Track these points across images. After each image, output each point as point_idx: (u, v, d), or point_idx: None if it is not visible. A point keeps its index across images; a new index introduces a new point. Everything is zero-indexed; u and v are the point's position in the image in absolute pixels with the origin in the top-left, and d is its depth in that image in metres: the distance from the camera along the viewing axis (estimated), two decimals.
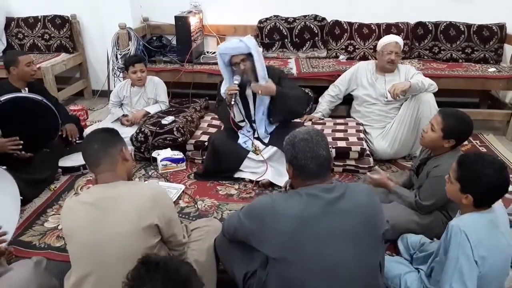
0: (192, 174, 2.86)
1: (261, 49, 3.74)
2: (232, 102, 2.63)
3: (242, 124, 2.83)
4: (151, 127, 2.99)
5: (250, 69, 2.64)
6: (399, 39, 3.12)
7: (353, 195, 1.42)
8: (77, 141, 3.11)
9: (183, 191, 2.65)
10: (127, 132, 3.00)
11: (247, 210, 1.52)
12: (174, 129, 2.95)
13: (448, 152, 2.03)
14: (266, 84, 2.61)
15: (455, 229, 1.47)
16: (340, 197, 1.39)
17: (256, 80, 2.66)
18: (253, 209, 1.50)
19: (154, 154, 2.95)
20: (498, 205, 1.56)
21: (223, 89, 2.77)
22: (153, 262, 1.13)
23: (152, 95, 3.33)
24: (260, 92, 2.62)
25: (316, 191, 1.40)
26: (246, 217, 1.50)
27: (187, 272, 1.14)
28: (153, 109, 3.28)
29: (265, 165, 2.70)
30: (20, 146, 2.47)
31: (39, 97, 2.56)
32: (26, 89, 2.85)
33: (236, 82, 2.63)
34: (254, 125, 2.84)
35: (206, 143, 2.90)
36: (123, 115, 3.32)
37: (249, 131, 2.85)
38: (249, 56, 2.61)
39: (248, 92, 2.74)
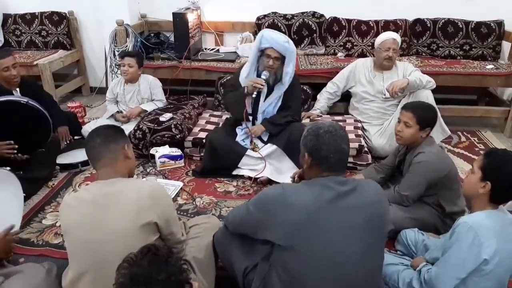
0: (191, 171, 2.86)
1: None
2: (254, 95, 2.66)
3: (250, 117, 2.83)
4: (149, 124, 2.98)
5: (276, 70, 2.67)
6: (396, 36, 3.11)
7: (364, 191, 1.43)
8: (75, 138, 3.11)
9: (181, 188, 2.65)
10: (125, 129, 2.98)
11: (256, 199, 1.52)
12: (172, 126, 2.95)
13: (425, 141, 2.14)
14: (256, 129, 2.76)
15: (465, 225, 1.48)
16: (352, 190, 1.40)
17: (275, 81, 2.70)
18: (263, 197, 1.50)
19: (152, 151, 2.95)
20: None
21: (244, 74, 2.75)
22: (146, 249, 1.16)
23: (146, 95, 3.31)
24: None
25: (330, 182, 1.41)
26: (255, 207, 1.49)
27: (180, 268, 1.15)
28: (149, 107, 3.27)
29: (264, 162, 2.70)
30: (15, 150, 2.45)
31: (24, 99, 2.48)
32: (18, 89, 2.74)
33: (264, 77, 2.65)
34: (256, 122, 2.84)
35: (204, 140, 2.90)
36: (118, 112, 3.31)
37: (247, 127, 2.85)
38: (283, 59, 2.64)
39: (264, 90, 2.74)
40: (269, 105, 2.78)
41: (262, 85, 2.61)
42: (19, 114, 2.48)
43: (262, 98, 2.79)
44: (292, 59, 2.64)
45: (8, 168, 2.14)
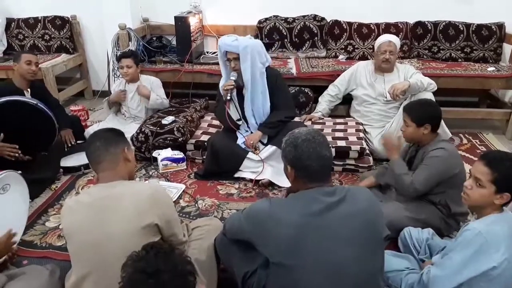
0: (193, 174, 2.87)
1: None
2: (228, 97, 2.66)
3: (239, 122, 2.83)
4: (151, 127, 3.00)
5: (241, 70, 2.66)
6: (393, 38, 3.12)
7: (354, 199, 1.41)
8: (78, 142, 3.13)
9: (183, 191, 2.66)
10: (128, 132, 3.00)
11: (247, 213, 1.52)
12: (175, 129, 2.96)
13: (435, 139, 2.15)
14: (252, 137, 2.74)
15: (473, 231, 1.47)
16: (341, 200, 1.38)
17: (243, 82, 2.68)
18: (252, 213, 1.49)
19: (154, 154, 2.96)
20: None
21: (221, 83, 2.79)
22: (150, 246, 1.19)
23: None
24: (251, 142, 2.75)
25: (317, 194, 1.39)
26: (246, 221, 1.50)
27: (184, 259, 1.18)
28: (154, 97, 3.25)
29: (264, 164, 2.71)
30: (16, 154, 2.48)
31: (34, 101, 2.53)
32: (29, 90, 2.85)
33: (233, 78, 2.66)
34: (249, 124, 2.85)
35: (206, 143, 2.91)
36: (122, 91, 3.27)
37: (247, 131, 2.86)
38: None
39: (245, 94, 2.75)
40: (254, 105, 2.75)
41: (231, 85, 2.64)
42: (26, 115, 2.51)
43: (246, 102, 2.77)
44: (245, 55, 2.58)
45: (19, 172, 2.16)
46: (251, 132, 2.85)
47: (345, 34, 3.91)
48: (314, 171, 1.42)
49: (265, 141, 2.83)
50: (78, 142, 3.14)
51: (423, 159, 2.12)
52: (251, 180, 2.74)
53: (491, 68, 3.56)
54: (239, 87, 2.70)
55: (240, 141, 2.84)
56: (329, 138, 2.92)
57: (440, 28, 3.79)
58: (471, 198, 1.55)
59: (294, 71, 3.56)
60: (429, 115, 2.13)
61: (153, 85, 3.33)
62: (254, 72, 2.64)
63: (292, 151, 1.45)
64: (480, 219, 1.55)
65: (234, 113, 2.78)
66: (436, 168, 2.06)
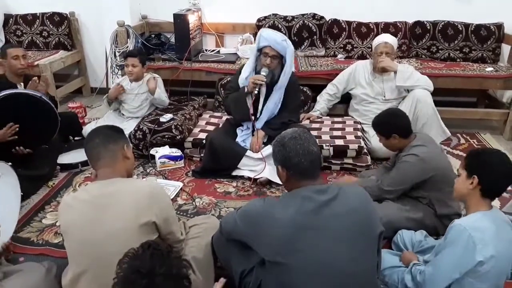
0: (190, 172, 2.87)
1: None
2: (256, 91, 2.66)
3: (253, 117, 2.83)
4: (149, 124, 2.99)
5: (273, 69, 2.68)
6: (389, 39, 3.12)
7: (346, 198, 1.42)
8: (75, 139, 3.12)
9: (181, 189, 2.66)
10: (126, 129, 2.99)
11: (242, 213, 1.54)
12: (173, 126, 2.96)
13: (414, 141, 2.18)
14: (259, 140, 2.76)
15: (459, 228, 1.49)
16: (333, 199, 1.40)
17: (272, 81, 2.69)
18: (247, 213, 1.51)
19: (152, 151, 2.96)
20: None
21: (245, 74, 2.76)
22: (147, 245, 1.18)
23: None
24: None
25: (310, 192, 1.41)
26: (241, 220, 1.51)
27: (181, 263, 1.17)
28: (160, 91, 3.23)
29: (263, 163, 2.71)
30: (17, 129, 2.47)
31: (38, 94, 2.55)
32: (22, 84, 2.82)
33: (264, 73, 2.66)
34: (254, 123, 2.84)
35: (204, 141, 2.91)
36: (118, 84, 3.23)
37: (248, 128, 2.86)
38: (281, 58, 2.66)
39: (262, 90, 2.75)
40: (267, 106, 2.78)
41: (262, 80, 2.63)
42: (30, 108, 2.51)
43: (261, 98, 2.79)
44: (290, 57, 2.66)
45: (10, 163, 2.15)
46: (252, 130, 2.85)
47: (344, 33, 3.91)
48: (304, 167, 1.45)
49: (265, 140, 2.83)
50: (76, 139, 3.13)
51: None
52: (249, 179, 2.74)
53: (489, 69, 3.56)
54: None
55: (239, 138, 2.84)
56: (327, 137, 2.95)
57: (439, 28, 3.79)
58: (455, 190, 1.65)
59: (292, 69, 3.54)
60: (393, 127, 2.20)
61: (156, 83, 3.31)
62: (287, 76, 2.70)
63: (281, 151, 1.49)
64: (466, 216, 1.59)
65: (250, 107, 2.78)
66: (404, 173, 2.14)
